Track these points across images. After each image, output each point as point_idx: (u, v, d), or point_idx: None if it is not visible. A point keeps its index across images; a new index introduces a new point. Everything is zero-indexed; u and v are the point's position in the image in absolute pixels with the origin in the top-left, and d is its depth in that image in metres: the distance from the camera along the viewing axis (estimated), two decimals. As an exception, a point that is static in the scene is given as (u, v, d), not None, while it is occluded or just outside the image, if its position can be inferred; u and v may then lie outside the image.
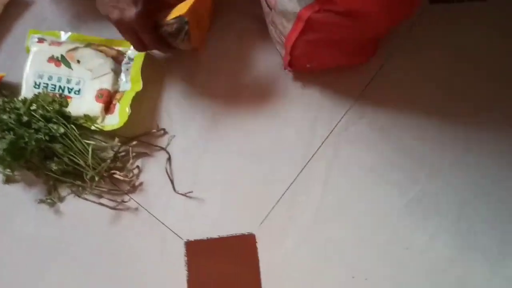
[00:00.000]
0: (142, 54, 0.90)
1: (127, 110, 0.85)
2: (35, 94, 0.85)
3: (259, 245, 0.86)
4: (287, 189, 0.88)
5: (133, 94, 0.86)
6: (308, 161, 0.90)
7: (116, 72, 0.89)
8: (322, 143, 0.91)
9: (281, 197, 0.88)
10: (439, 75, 0.96)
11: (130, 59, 0.91)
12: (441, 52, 0.98)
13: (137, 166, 0.87)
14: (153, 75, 0.91)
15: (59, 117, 0.82)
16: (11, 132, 0.80)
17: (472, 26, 1.00)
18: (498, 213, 0.89)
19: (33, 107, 0.82)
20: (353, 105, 0.93)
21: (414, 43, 0.98)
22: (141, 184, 0.87)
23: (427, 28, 0.99)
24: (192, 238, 0.85)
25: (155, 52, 0.91)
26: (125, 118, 0.85)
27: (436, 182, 0.90)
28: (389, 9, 0.75)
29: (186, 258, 0.84)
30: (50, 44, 0.89)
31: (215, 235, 0.86)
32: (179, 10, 0.80)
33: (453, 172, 0.91)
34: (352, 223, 0.87)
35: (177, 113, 0.90)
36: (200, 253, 0.85)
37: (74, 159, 0.82)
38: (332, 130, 0.92)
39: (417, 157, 0.92)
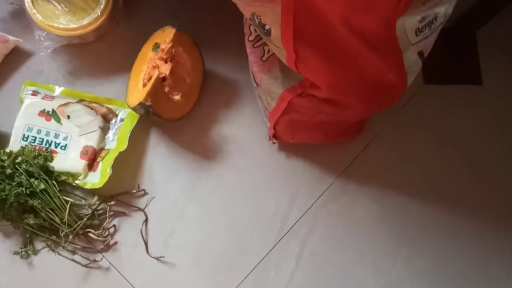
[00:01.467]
0: (136, 115, 0.92)
1: (109, 171, 0.86)
2: (21, 147, 0.87)
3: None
4: (258, 263, 0.88)
5: (116, 154, 0.88)
6: (284, 235, 0.90)
7: (104, 130, 0.91)
8: (300, 218, 0.91)
9: (252, 270, 0.88)
10: (425, 159, 0.95)
11: (121, 119, 0.93)
12: (430, 135, 0.97)
13: (114, 225, 0.88)
14: (140, 136, 0.93)
15: (41, 172, 0.84)
16: (-7, 184, 0.83)
17: (465, 111, 0.99)
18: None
19: (18, 160, 0.85)
20: (335, 181, 0.93)
21: (404, 123, 0.98)
22: (115, 243, 0.88)
23: (419, 108, 0.99)
24: (159, 304, 0.86)
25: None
26: (106, 178, 0.86)
27: (413, 268, 0.89)
28: (369, 101, 0.75)
29: (151, 323, 0.85)
30: (43, 98, 0.91)
31: (182, 302, 0.86)
32: (140, 96, 0.85)
33: (433, 259, 0.90)
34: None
35: (159, 174, 0.92)
36: (166, 319, 0.86)
37: (50, 215, 0.83)
38: (311, 205, 0.92)
39: (395, 241, 0.91)
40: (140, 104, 0.83)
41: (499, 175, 0.95)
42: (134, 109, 0.86)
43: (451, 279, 0.89)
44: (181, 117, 0.90)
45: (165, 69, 0.86)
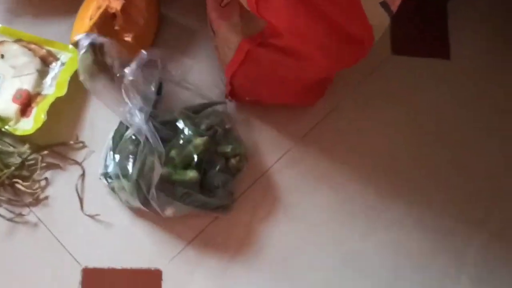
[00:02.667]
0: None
1: (43, 116, 0.78)
2: None
3: (165, 283, 0.78)
4: (206, 227, 0.82)
5: (53, 99, 0.80)
6: (236, 199, 0.84)
7: (42, 74, 0.83)
8: (252, 184, 0.85)
9: (198, 235, 0.81)
10: (387, 130, 0.91)
11: (62, 63, 0.85)
12: (393, 107, 0.93)
13: (45, 178, 0.80)
14: (82, 84, 0.84)
15: (-34, 113, 0.76)
16: None
17: (431, 84, 0.96)
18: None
19: None
20: (293, 148, 0.88)
21: (369, 93, 0.93)
22: (46, 198, 0.80)
23: (384, 78, 0.94)
24: (91, 265, 0.77)
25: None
26: (39, 124, 0.78)
27: (368, 242, 0.85)
28: (331, 53, 0.70)
29: (80, 286, 0.77)
30: (-24, 34, 0.82)
31: (117, 265, 0.78)
32: (85, 27, 0.78)
33: (388, 233, 0.85)
34: (270, 273, 0.81)
35: (101, 127, 0.84)
36: (97, 282, 0.78)
37: (-27, 161, 0.75)
38: (266, 171, 0.86)
39: (352, 212, 0.86)
40: (85, 35, 0.75)
41: (460, 151, 0.91)
42: (76, 44, 0.77)
43: (407, 251, 0.84)
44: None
45: (116, 4, 0.78)
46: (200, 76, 0.87)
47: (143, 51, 0.76)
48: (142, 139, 0.70)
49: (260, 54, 0.73)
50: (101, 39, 0.75)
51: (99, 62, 0.79)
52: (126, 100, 0.73)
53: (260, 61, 0.75)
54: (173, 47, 0.90)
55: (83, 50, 0.74)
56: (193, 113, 0.78)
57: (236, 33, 0.74)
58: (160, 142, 0.70)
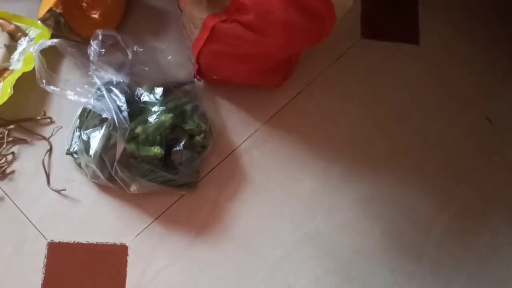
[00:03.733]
0: (47, 36, 0.84)
1: (9, 90, 0.78)
2: None
3: (130, 259, 0.80)
4: (172, 204, 0.83)
5: (20, 74, 0.80)
6: (201, 179, 0.85)
7: (9, 49, 0.83)
8: (220, 162, 0.86)
9: (164, 212, 0.82)
10: (353, 112, 0.93)
11: (31, 39, 0.84)
12: (360, 89, 0.94)
13: (12, 153, 0.80)
14: (51, 60, 0.84)
15: None
16: None
17: (399, 68, 0.97)
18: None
19: None
20: (260, 128, 0.89)
21: (337, 75, 0.95)
22: (12, 172, 0.80)
23: (353, 62, 0.96)
24: (57, 240, 0.78)
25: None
26: (5, 98, 0.78)
27: (330, 223, 0.86)
28: (294, 28, 0.71)
29: (45, 260, 0.77)
30: None
31: (83, 240, 0.79)
32: (50, 2, 0.77)
33: (351, 214, 0.88)
34: (234, 250, 0.82)
35: (69, 103, 0.82)
36: (63, 256, 0.78)
37: None
38: (233, 150, 0.87)
39: (315, 194, 0.88)
40: (50, 11, 0.76)
41: (423, 134, 0.93)
42: (43, 19, 0.78)
43: (368, 232, 0.86)
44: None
45: (82, -22, 0.78)
46: (166, 55, 0.87)
47: (98, 31, 0.77)
48: (109, 116, 0.70)
49: (224, 30, 0.74)
50: (52, 42, 0.76)
51: (67, 38, 0.80)
52: (93, 78, 0.74)
53: (223, 38, 0.76)
54: (142, 27, 0.90)
55: (37, 52, 0.75)
56: (162, 92, 0.79)
57: (201, 10, 0.75)
58: (124, 119, 0.71)
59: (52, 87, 0.73)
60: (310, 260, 0.84)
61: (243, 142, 0.88)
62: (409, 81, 0.96)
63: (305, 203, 0.87)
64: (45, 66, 0.73)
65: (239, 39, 0.73)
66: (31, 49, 0.74)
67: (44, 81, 0.73)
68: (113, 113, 0.71)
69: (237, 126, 0.89)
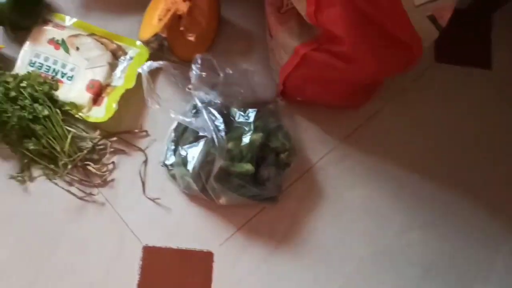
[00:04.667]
0: (146, 55, 0.91)
1: (114, 106, 0.86)
2: (27, 72, 0.86)
3: (215, 265, 0.86)
4: (254, 216, 0.89)
5: (123, 90, 0.87)
6: (283, 192, 0.91)
7: (112, 66, 0.90)
8: (298, 179, 0.92)
9: (246, 222, 0.88)
10: (427, 134, 0.96)
11: (130, 58, 0.92)
12: (436, 112, 0.98)
13: (113, 162, 0.88)
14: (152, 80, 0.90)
15: (46, 99, 0.83)
16: (-4, 105, 0.81)
17: (473, 92, 1.00)
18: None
19: (23, 84, 0.84)
20: (337, 147, 0.94)
21: (413, 97, 0.98)
22: (112, 180, 0.88)
23: (426, 85, 0.99)
24: (151, 244, 0.86)
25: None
26: (111, 113, 0.86)
27: (402, 240, 0.90)
28: (383, 58, 0.75)
29: (141, 262, 0.85)
30: (53, 26, 0.90)
31: (174, 245, 0.86)
32: (156, 28, 0.84)
33: (422, 233, 0.91)
34: (311, 262, 0.88)
35: (163, 118, 0.90)
36: (156, 260, 0.86)
37: (51, 143, 0.83)
38: (310, 168, 0.93)
39: (388, 212, 0.92)
40: (156, 35, 0.83)
41: (501, 155, 0.96)
42: (147, 41, 0.86)
43: (439, 252, 0.90)
44: (191, 60, 0.87)
45: (183, 7, 0.85)
46: (253, 76, 0.92)
47: (198, 55, 0.84)
48: (208, 135, 0.77)
49: (314, 58, 0.79)
50: (158, 64, 0.83)
51: (166, 59, 0.87)
52: (193, 98, 0.80)
53: (313, 65, 0.81)
54: (230, 48, 0.97)
55: (145, 73, 0.82)
56: (247, 110, 0.85)
57: (292, 38, 0.80)
58: (222, 138, 0.77)
59: (156, 106, 0.80)
60: (382, 275, 0.89)
61: (320, 159, 0.93)
62: (482, 104, 0.99)
63: (378, 220, 0.92)
64: (152, 86, 0.80)
65: (328, 66, 0.78)
66: (140, 70, 0.81)
67: (149, 99, 0.80)
68: (213, 132, 0.77)
69: (315, 144, 0.94)
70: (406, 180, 0.94)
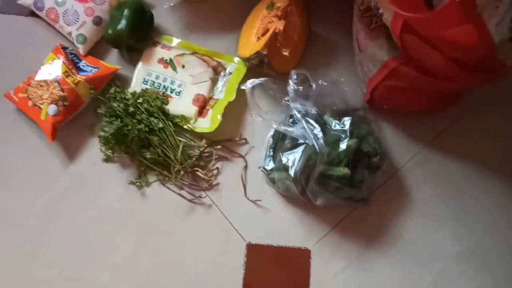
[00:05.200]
0: (243, 71, 1.00)
1: (219, 117, 0.95)
2: (142, 89, 0.97)
3: (312, 261, 0.94)
4: (346, 216, 0.95)
5: (225, 103, 0.97)
6: (373, 193, 0.97)
7: (213, 81, 1.00)
8: (386, 180, 0.97)
9: (339, 222, 0.95)
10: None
11: (229, 73, 1.01)
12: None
13: (217, 168, 0.97)
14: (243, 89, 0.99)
15: (160, 113, 0.94)
16: (118, 119, 0.93)
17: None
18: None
19: (140, 100, 0.95)
20: (422, 150, 0.99)
21: (495, 100, 1.01)
22: (217, 184, 0.97)
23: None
24: (253, 242, 0.94)
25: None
26: (217, 124, 0.95)
27: (490, 239, 0.94)
28: (470, 79, 0.80)
29: (245, 259, 0.94)
30: (162, 47, 1.01)
31: (274, 243, 0.94)
32: (257, 46, 0.93)
33: (508, 234, 0.95)
34: (400, 260, 0.93)
35: (260, 126, 0.99)
36: (258, 256, 0.94)
37: (166, 152, 0.93)
38: (398, 170, 0.98)
39: (475, 212, 0.96)
40: (257, 53, 0.92)
41: None
42: (248, 59, 0.95)
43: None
44: (286, 73, 0.95)
45: (280, 25, 0.94)
46: (343, 86, 0.99)
47: (293, 71, 0.92)
48: (309, 142, 0.84)
49: (403, 71, 0.85)
50: (259, 81, 0.91)
51: (265, 74, 0.95)
52: (292, 110, 0.88)
53: (402, 77, 0.86)
54: (318, 59, 1.04)
55: (249, 89, 0.91)
56: (342, 118, 0.92)
57: (382, 53, 0.86)
58: (322, 145, 0.84)
59: (259, 118, 0.89)
60: (469, 274, 0.93)
61: (407, 162, 0.98)
62: None
63: (466, 219, 0.96)
64: (255, 101, 0.89)
65: (415, 79, 0.84)
66: (243, 87, 0.90)
67: (253, 113, 0.89)
68: (313, 140, 0.84)
69: (401, 147, 0.99)
70: (493, 180, 0.97)
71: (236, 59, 1.01)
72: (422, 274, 0.93)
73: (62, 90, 0.93)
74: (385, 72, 0.87)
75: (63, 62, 0.95)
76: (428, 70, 0.82)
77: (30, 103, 0.94)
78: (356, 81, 1.01)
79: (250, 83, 0.90)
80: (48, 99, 0.93)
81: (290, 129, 0.87)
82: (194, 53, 1.01)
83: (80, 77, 0.95)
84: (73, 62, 0.97)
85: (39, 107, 0.93)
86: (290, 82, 0.90)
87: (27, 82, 0.96)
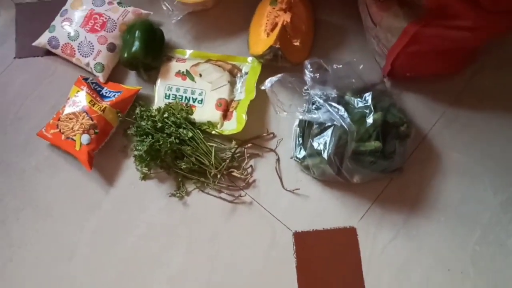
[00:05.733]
0: (258, 69, 1.03)
1: (244, 117, 0.98)
2: (166, 104, 1.00)
3: (360, 238, 0.95)
4: (384, 188, 0.97)
5: (247, 102, 0.99)
6: (405, 163, 0.98)
7: (232, 84, 1.03)
8: (417, 147, 0.99)
9: (379, 195, 0.97)
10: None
11: (245, 73, 1.04)
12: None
13: (251, 166, 1.00)
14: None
15: (187, 123, 0.97)
16: (149, 136, 0.96)
17: None
18: None
19: (165, 114, 0.98)
20: (446, 112, 1.01)
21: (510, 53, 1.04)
22: (254, 181, 1.00)
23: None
24: (299, 230, 0.97)
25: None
26: (243, 124, 0.98)
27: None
28: (493, 23, 0.81)
29: (294, 247, 0.96)
30: (176, 61, 1.04)
31: (319, 227, 0.96)
32: (269, 41, 0.95)
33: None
34: (446, 220, 0.95)
35: (284, 119, 1.02)
36: (307, 243, 0.96)
37: (200, 159, 0.96)
38: (426, 135, 1.00)
39: (508, 161, 0.98)
40: (270, 47, 0.94)
41: None
42: (262, 55, 0.97)
43: None
44: (301, 62, 0.97)
45: (286, 17, 0.97)
46: (358, 65, 1.00)
47: (307, 61, 0.94)
48: (338, 124, 0.87)
49: (425, 33, 0.86)
50: (277, 78, 0.93)
51: (280, 66, 0.98)
52: (313, 97, 0.91)
53: (424, 40, 0.88)
54: (328, 44, 1.06)
55: (269, 88, 0.93)
56: (363, 95, 0.94)
57: (399, 20, 0.88)
58: (350, 124, 0.86)
59: (284, 113, 0.91)
60: (513, 222, 0.95)
61: (433, 126, 1.00)
62: None
63: (500, 170, 0.98)
64: (277, 97, 0.91)
65: (438, 38, 0.85)
66: (263, 87, 0.93)
67: (277, 109, 0.92)
68: (340, 120, 0.87)
69: (425, 113, 1.02)
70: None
71: (250, 58, 1.05)
72: (470, 229, 0.95)
73: (91, 118, 0.96)
74: (406, 38, 0.89)
75: (87, 92, 0.99)
76: (450, 25, 0.83)
77: (63, 137, 0.97)
78: (369, 58, 1.04)
79: (268, 82, 0.93)
80: (79, 130, 0.96)
81: (315, 115, 0.89)
82: (208, 60, 1.04)
83: (105, 103, 0.99)
84: (96, 91, 1.01)
85: (72, 139, 0.97)
86: (306, 71, 0.93)
87: (56, 118, 0.99)
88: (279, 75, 0.94)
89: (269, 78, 0.94)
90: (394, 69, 0.96)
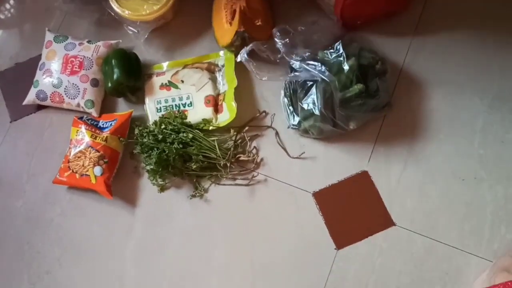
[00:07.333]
0: (232, 58, 1.08)
1: (234, 104, 1.04)
2: (160, 117, 1.06)
3: (374, 178, 1.01)
4: (381, 127, 1.03)
5: (232, 90, 1.05)
6: (392, 96, 1.04)
7: (213, 80, 1.09)
8: (397, 80, 1.05)
9: (378, 135, 1.02)
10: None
11: (222, 66, 1.10)
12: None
13: (254, 147, 1.06)
14: (241, 71, 1.08)
15: (184, 127, 1.03)
16: (154, 150, 1.01)
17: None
18: None
19: (162, 126, 1.04)
20: (413, 39, 1.07)
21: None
22: (262, 160, 1.05)
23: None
24: (317, 189, 1.02)
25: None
26: (235, 111, 1.04)
27: (507, 79, 1.02)
28: None
29: (317, 206, 1.01)
30: (157, 76, 1.10)
31: (335, 180, 1.02)
32: (233, 28, 1.02)
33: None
34: (445, 136, 1.00)
35: (270, 94, 1.08)
36: (327, 198, 1.02)
37: (206, 154, 1.02)
38: (402, 66, 1.05)
39: (484, 62, 1.04)
40: (236, 33, 1.01)
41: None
42: (231, 43, 1.04)
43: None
44: (268, 38, 1.03)
45: (242, 2, 1.03)
46: (319, 23, 1.07)
47: (274, 29, 0.99)
48: (319, 79, 0.92)
49: None
50: (249, 47, 0.98)
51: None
52: (290, 61, 0.96)
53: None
54: (289, 15, 1.13)
55: (245, 58, 0.97)
56: (333, 46, 1.00)
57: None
58: (329, 76, 0.92)
59: (265, 77, 0.96)
60: (507, 116, 1.00)
61: (406, 56, 1.06)
62: None
63: (479, 75, 1.03)
64: (254, 64, 0.97)
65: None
66: (239, 59, 0.97)
67: (258, 75, 0.96)
68: (319, 75, 0.93)
69: (394, 48, 1.07)
70: (481, 35, 1.05)
71: (221, 52, 1.11)
72: (470, 137, 1.00)
73: (97, 150, 1.02)
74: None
75: (86, 129, 1.05)
76: None
77: (77, 175, 1.03)
78: (327, 15, 1.09)
79: (243, 52, 0.98)
80: (90, 164, 1.02)
81: (297, 74, 0.95)
82: (185, 66, 1.11)
83: (105, 133, 1.05)
84: (93, 125, 1.07)
85: (86, 175, 1.02)
86: (276, 39, 0.98)
87: (66, 161, 1.05)
88: (250, 45, 0.99)
89: (242, 49, 0.99)
90: (346, 21, 1.03)
